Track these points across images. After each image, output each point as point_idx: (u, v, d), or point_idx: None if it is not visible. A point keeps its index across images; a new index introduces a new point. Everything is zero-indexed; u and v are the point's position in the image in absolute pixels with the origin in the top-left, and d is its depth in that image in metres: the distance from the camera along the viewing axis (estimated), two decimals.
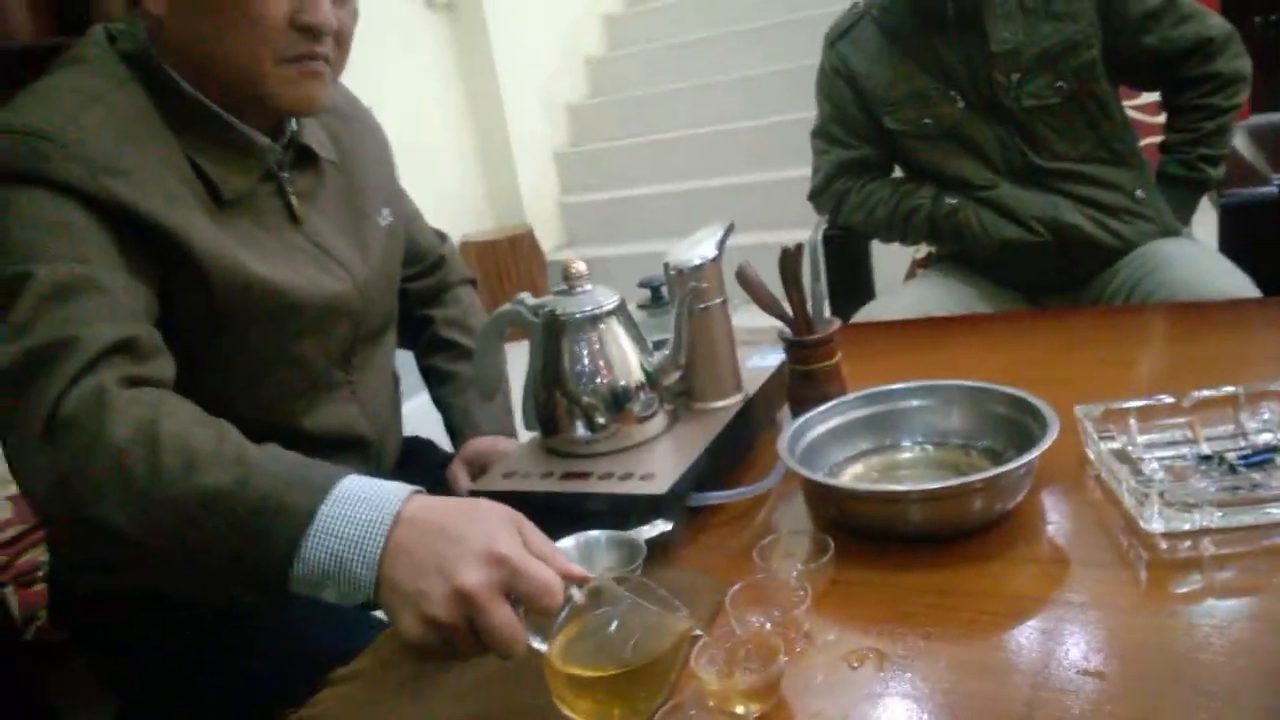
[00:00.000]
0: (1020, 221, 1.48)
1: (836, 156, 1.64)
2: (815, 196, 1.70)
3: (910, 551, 0.77)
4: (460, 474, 1.11)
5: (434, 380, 1.25)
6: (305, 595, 0.69)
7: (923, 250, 1.87)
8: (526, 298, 0.96)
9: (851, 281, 1.70)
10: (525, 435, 1.03)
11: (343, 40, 0.92)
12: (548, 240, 4.19)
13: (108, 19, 2.00)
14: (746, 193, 3.80)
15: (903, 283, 1.73)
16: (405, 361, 1.23)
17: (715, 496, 0.88)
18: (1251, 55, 1.52)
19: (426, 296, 1.26)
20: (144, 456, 0.70)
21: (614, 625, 0.64)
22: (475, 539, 0.64)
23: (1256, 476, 0.77)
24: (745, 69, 4.16)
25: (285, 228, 0.96)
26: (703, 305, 0.96)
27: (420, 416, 1.34)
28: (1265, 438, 0.83)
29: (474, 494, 0.91)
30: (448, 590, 0.63)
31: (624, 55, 4.69)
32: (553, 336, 0.93)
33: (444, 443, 1.26)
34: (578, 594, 0.65)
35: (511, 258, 3.84)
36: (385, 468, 1.11)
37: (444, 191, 3.91)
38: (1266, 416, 0.85)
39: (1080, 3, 1.44)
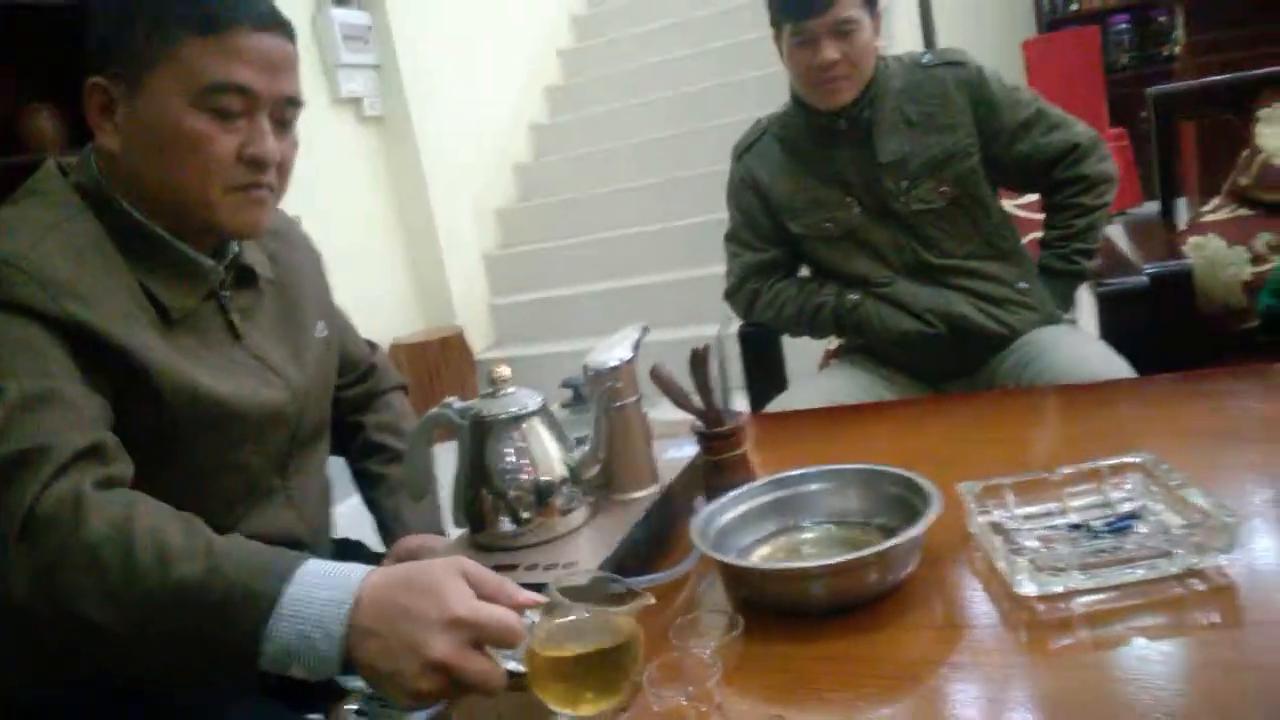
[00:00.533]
0: (916, 314, 1.60)
1: (747, 259, 1.75)
2: (730, 296, 1.80)
3: (814, 624, 0.83)
4: None
5: (366, 483, 1.29)
6: (276, 673, 0.74)
7: (834, 342, 1.98)
8: (454, 401, 1.02)
9: (766, 373, 1.79)
10: (455, 533, 1.08)
11: (284, 169, 1.00)
12: (478, 341, 4.26)
13: (41, 139, 2.07)
14: (666, 290, 3.93)
15: (815, 373, 1.83)
16: (336, 466, 1.27)
17: (634, 582, 0.93)
18: (1133, 151, 1.68)
19: (358, 403, 1.31)
20: (119, 552, 0.74)
21: (577, 622, 0.71)
22: (432, 610, 0.70)
23: (1117, 541, 0.85)
24: (662, 174, 4.35)
25: (227, 343, 1.02)
26: (619, 404, 1.03)
27: (351, 519, 1.37)
28: (1127, 506, 0.92)
29: None
30: (420, 666, 0.69)
31: (550, 162, 4.86)
32: (479, 438, 0.99)
33: (375, 544, 1.29)
34: (533, 616, 0.72)
35: (442, 359, 3.89)
36: None
37: (375, 296, 3.96)
38: (1128, 487, 0.94)
39: (959, 116, 1.59)
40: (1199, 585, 0.79)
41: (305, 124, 1.02)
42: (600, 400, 1.01)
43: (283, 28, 0.96)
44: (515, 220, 4.68)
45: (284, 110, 0.97)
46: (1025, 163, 1.63)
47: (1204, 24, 3.81)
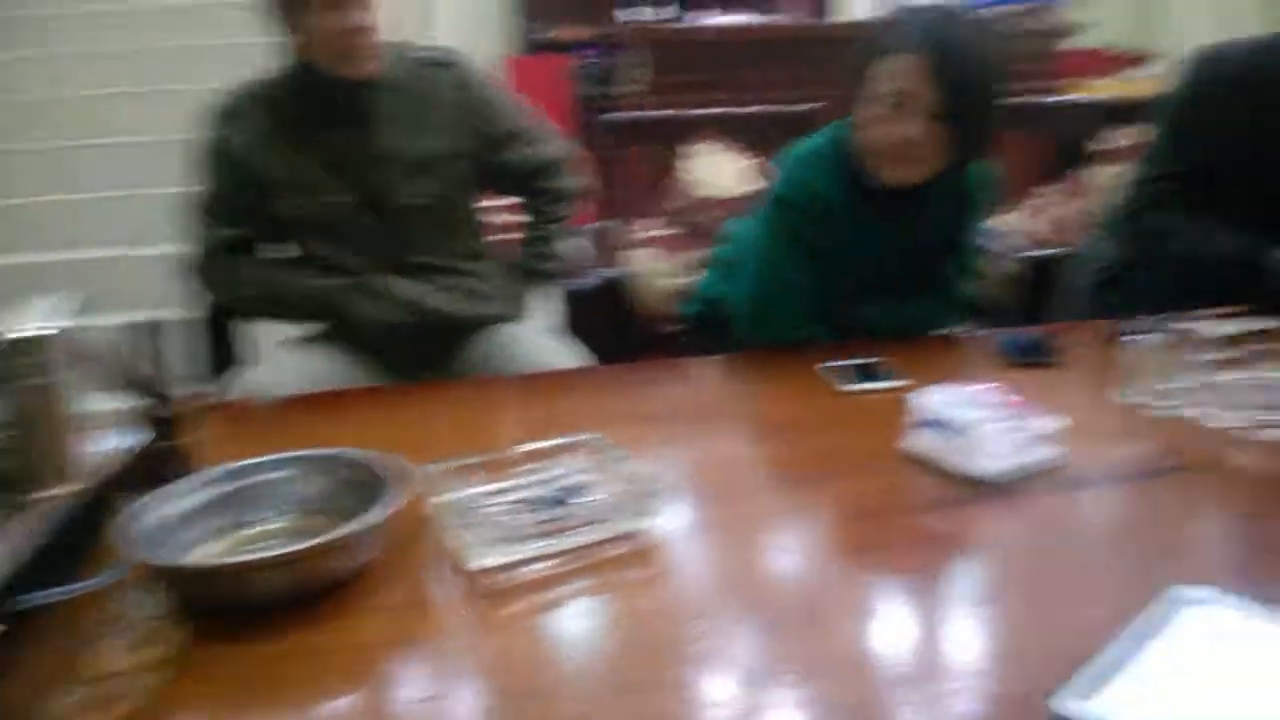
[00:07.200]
0: (394, 305, 1.60)
1: (217, 235, 1.60)
2: (192, 273, 1.63)
3: (268, 621, 0.78)
4: None
5: None
6: None
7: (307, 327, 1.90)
8: None
9: (226, 359, 1.66)
10: None
11: None
12: None
13: None
14: (108, 267, 3.43)
15: (285, 355, 1.72)
16: None
17: (49, 594, 0.79)
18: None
19: None
20: None
21: None
22: None
23: (563, 512, 0.93)
24: (113, 134, 3.82)
25: None
26: (31, 382, 0.87)
27: None
28: (573, 480, 1.01)
29: None
30: None
31: None
32: None
33: None
34: None
35: None
36: None
37: None
38: (575, 463, 1.04)
39: (453, 118, 1.62)
40: (631, 546, 0.90)
41: None
42: (7, 378, 0.85)
43: None
44: None
45: None
46: (508, 170, 1.71)
47: (665, 68, 4.40)
